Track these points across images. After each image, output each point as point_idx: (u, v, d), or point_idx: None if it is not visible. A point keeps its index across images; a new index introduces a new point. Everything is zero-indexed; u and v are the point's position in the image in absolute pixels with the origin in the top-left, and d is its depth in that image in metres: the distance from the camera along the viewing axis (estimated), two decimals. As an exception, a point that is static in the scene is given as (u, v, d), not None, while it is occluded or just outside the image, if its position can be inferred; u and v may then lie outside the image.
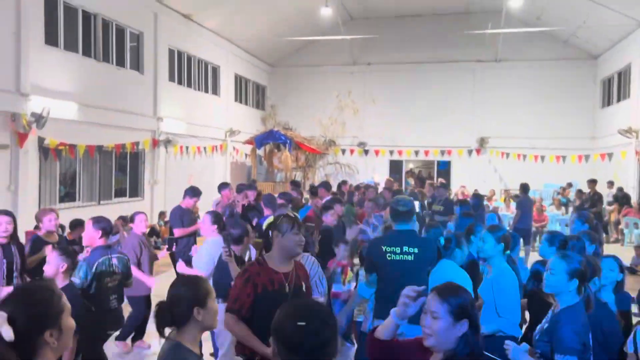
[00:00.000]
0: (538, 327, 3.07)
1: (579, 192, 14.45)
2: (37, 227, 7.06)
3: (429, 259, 4.21)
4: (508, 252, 3.92)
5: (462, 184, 18.56)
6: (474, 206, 8.92)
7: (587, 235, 4.57)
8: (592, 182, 13.89)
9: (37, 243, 5.30)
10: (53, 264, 3.89)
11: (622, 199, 14.49)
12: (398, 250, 4.07)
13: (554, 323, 2.87)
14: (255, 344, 2.99)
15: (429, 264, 4.28)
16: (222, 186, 9.26)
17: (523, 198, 11.49)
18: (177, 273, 6.10)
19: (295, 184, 10.59)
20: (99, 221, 4.79)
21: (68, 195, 11.16)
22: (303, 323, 1.73)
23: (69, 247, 4.53)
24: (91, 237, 4.71)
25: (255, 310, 3.05)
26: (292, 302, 1.93)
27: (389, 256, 4.08)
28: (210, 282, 4.11)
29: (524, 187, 11.68)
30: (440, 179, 18.03)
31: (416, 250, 4.07)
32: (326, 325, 1.76)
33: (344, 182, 13.80)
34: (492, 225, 4.15)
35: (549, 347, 2.82)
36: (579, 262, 2.93)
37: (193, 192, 7.63)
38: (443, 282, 4.00)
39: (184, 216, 7.31)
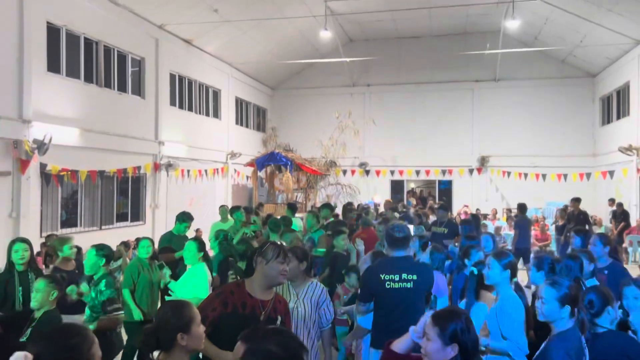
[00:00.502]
0: (536, 354, 3.07)
1: (562, 210, 13.90)
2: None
3: (427, 284, 4.18)
4: (515, 279, 3.87)
5: (464, 203, 18.55)
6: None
7: (585, 254, 4.53)
8: (576, 201, 13.23)
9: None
10: (43, 292, 3.87)
11: (620, 215, 14.31)
12: (397, 277, 3.99)
13: (546, 348, 2.90)
14: (215, 352, 2.95)
15: (427, 289, 4.27)
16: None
17: (521, 218, 11.53)
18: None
19: (291, 207, 10.51)
20: (102, 248, 4.77)
21: (69, 221, 11.13)
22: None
23: (58, 274, 4.53)
24: (95, 264, 4.66)
25: (218, 328, 2.98)
26: (264, 327, 1.94)
27: (388, 284, 3.98)
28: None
29: (522, 207, 11.73)
30: (439, 201, 17.97)
31: (415, 277, 4.01)
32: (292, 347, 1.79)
33: (349, 204, 13.72)
34: (498, 251, 4.09)
35: None
36: (568, 287, 2.95)
37: (182, 218, 7.55)
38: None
39: (172, 241, 7.25)
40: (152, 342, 2.35)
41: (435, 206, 12.95)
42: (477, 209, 18.01)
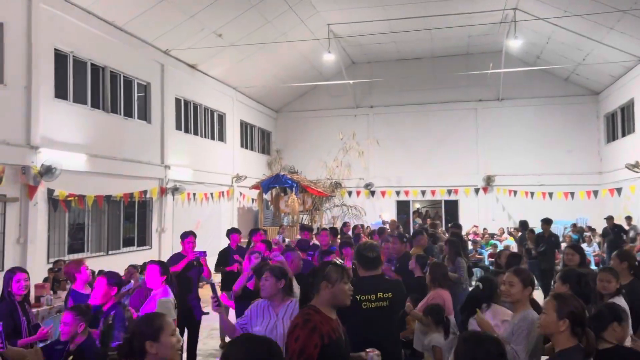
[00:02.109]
0: None
1: (530, 232, 12.57)
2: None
3: (402, 301, 4.19)
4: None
5: (474, 223, 18.46)
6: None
7: (610, 272, 4.47)
8: (610, 219, 14.00)
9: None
10: (72, 325, 3.89)
11: (613, 229, 13.98)
12: (373, 297, 3.90)
13: None
14: None
15: (401, 307, 4.28)
16: (231, 231, 9.21)
17: (523, 235, 11.63)
18: None
19: (305, 228, 10.48)
20: (113, 276, 4.67)
21: (76, 246, 11.09)
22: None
23: (83, 305, 4.42)
24: (106, 294, 4.55)
25: None
26: (240, 336, 2.07)
27: (364, 305, 3.88)
28: None
29: (523, 224, 11.90)
30: (452, 222, 17.87)
31: (390, 295, 3.95)
32: (270, 353, 1.90)
33: (344, 225, 13.68)
34: (517, 268, 4.05)
35: None
36: (573, 304, 2.87)
37: (182, 237, 7.28)
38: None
39: (178, 261, 7.10)
40: (126, 349, 2.55)
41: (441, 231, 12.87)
42: (485, 229, 17.93)
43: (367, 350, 3.01)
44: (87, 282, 5.61)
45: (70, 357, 3.92)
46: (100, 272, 5.35)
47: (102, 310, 4.63)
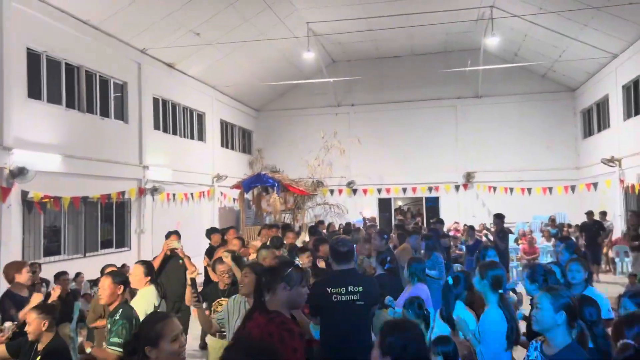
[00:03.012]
0: None
1: (470, 229, 11.91)
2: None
3: (374, 297, 4.21)
4: (500, 290, 3.83)
5: (455, 220, 18.57)
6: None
7: (578, 262, 4.55)
8: (589, 214, 14.26)
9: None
10: (34, 325, 3.86)
11: (592, 225, 14.10)
12: (344, 290, 4.00)
13: None
14: None
15: (373, 303, 4.28)
16: (211, 231, 9.24)
17: (500, 227, 11.81)
18: None
19: (286, 227, 10.49)
20: (118, 275, 4.57)
21: (52, 248, 10.93)
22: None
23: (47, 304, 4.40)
24: (113, 293, 4.40)
25: None
26: (240, 340, 2.01)
27: (334, 297, 3.99)
28: None
29: (499, 216, 11.95)
30: (435, 218, 17.98)
31: (361, 289, 4.02)
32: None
33: (320, 222, 13.74)
34: (485, 262, 4.08)
35: None
36: (568, 297, 2.83)
37: (166, 237, 7.56)
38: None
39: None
40: (128, 350, 2.51)
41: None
42: (465, 225, 18.04)
43: None
44: (26, 286, 5.51)
45: (38, 358, 3.85)
46: (105, 272, 5.24)
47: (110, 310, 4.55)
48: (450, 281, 4.17)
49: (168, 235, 7.57)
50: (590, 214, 14.40)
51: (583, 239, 13.67)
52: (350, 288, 4.00)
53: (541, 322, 2.82)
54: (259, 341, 1.97)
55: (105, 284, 4.37)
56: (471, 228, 11.38)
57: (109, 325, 4.28)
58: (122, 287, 4.44)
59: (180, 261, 7.37)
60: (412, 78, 20.60)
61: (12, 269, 5.53)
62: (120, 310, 4.25)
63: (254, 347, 1.84)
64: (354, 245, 7.79)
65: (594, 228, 13.79)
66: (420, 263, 5.55)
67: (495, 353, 3.55)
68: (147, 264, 5.27)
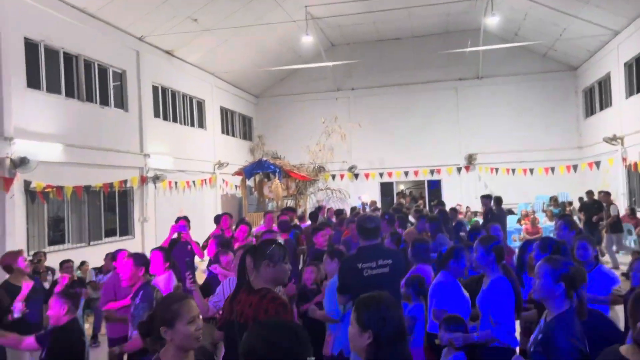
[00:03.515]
0: (532, 338, 2.96)
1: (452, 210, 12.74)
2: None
3: (402, 269, 4.34)
4: (503, 261, 3.87)
5: (457, 202, 18.53)
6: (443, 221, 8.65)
7: (586, 240, 4.56)
8: (589, 193, 14.18)
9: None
10: (54, 309, 3.93)
11: (592, 205, 14.07)
12: (374, 264, 4.12)
13: (547, 332, 2.77)
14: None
15: (401, 275, 4.41)
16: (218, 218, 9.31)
17: (497, 210, 11.88)
18: None
19: (289, 209, 10.56)
20: (140, 257, 4.60)
21: (56, 238, 10.96)
22: (275, 340, 1.69)
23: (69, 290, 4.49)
24: (134, 275, 4.44)
25: None
26: (260, 323, 1.89)
27: (365, 272, 4.10)
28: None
29: (497, 200, 12.15)
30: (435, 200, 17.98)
31: (390, 262, 4.16)
32: (298, 340, 1.74)
33: (320, 208, 13.75)
34: (483, 236, 4.11)
35: (546, 357, 2.71)
36: (567, 267, 2.85)
37: (176, 222, 7.77)
38: (440, 294, 4.00)
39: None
40: (144, 330, 2.47)
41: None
42: (467, 207, 18.05)
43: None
44: (22, 275, 5.53)
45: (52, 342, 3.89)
46: (123, 254, 5.29)
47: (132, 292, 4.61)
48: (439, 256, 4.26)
49: (177, 220, 7.69)
50: (590, 193, 14.36)
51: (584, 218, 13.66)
52: (380, 262, 4.13)
53: (540, 292, 2.86)
54: (274, 320, 1.95)
55: (127, 265, 4.42)
56: (452, 210, 11.26)
57: (132, 309, 4.32)
58: (144, 269, 4.47)
59: (189, 247, 7.47)
60: (413, 60, 20.47)
61: (8, 259, 5.54)
62: (142, 293, 4.27)
63: (278, 326, 1.79)
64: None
65: (594, 207, 13.74)
66: (423, 243, 5.55)
67: (504, 321, 3.57)
68: (164, 250, 5.35)
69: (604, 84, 16.97)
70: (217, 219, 9.68)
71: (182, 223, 7.68)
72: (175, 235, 7.75)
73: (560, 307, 2.80)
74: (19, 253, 5.65)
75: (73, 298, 4.07)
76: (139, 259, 4.51)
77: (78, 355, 3.81)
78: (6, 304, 5.16)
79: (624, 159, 14.91)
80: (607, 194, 14.09)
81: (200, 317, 2.54)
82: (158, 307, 2.51)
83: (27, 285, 5.42)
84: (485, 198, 11.49)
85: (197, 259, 8.88)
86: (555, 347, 2.65)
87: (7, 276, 5.54)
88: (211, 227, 9.87)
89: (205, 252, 7.79)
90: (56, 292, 4.62)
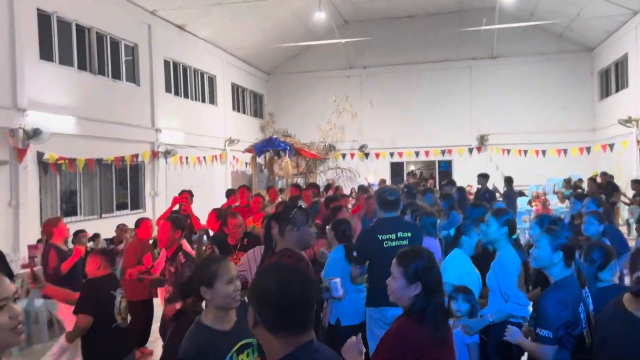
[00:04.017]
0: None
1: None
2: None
3: (420, 240, 4.40)
4: (514, 236, 3.87)
5: (468, 183, 18.44)
6: (459, 200, 8.60)
7: (595, 215, 4.53)
8: (604, 175, 14.07)
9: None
10: (89, 265, 4.20)
11: (607, 187, 14.06)
12: (394, 236, 4.26)
13: (541, 297, 2.90)
14: None
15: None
16: (230, 192, 9.42)
17: (508, 190, 11.86)
18: None
19: (296, 187, 10.57)
20: (177, 220, 4.66)
21: (69, 210, 11.09)
22: (287, 284, 1.70)
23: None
24: (170, 238, 4.50)
25: None
26: (274, 266, 1.92)
27: (385, 244, 4.23)
28: None
29: (508, 180, 12.36)
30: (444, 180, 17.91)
31: (409, 234, 4.29)
32: (309, 287, 1.76)
33: (328, 187, 13.79)
34: (497, 209, 4.10)
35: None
36: (565, 237, 2.96)
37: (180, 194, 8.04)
38: (454, 271, 3.98)
39: None
40: (185, 291, 2.62)
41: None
42: (478, 188, 17.93)
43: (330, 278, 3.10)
44: (64, 239, 5.74)
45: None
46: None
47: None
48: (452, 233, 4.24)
49: (181, 193, 7.78)
50: (604, 175, 14.25)
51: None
52: (399, 234, 4.26)
53: (539, 260, 2.97)
54: (288, 265, 1.98)
55: (165, 228, 4.49)
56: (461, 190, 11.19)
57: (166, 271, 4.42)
58: (180, 232, 4.55)
59: (188, 220, 7.50)
60: (426, 39, 20.21)
61: (50, 225, 5.86)
62: (180, 254, 4.35)
63: (289, 270, 1.80)
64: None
65: (608, 189, 13.65)
66: (430, 217, 5.54)
67: (514, 292, 3.59)
68: (217, 209, 5.85)
69: (621, 65, 16.68)
70: (229, 193, 9.76)
71: (186, 195, 7.77)
72: (176, 207, 7.84)
73: (560, 275, 2.91)
74: (59, 219, 6.01)
75: (105, 255, 4.26)
76: (176, 222, 4.59)
77: (105, 308, 3.92)
78: (55, 264, 5.50)
79: (639, 142, 14.72)
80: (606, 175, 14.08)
81: (238, 278, 2.57)
82: (197, 268, 2.56)
83: (78, 250, 5.75)
84: (482, 177, 11.40)
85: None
86: (543, 312, 2.77)
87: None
88: (221, 203, 9.94)
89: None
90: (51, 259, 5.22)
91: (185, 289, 2.61)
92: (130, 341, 3.98)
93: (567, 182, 16.91)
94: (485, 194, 11.13)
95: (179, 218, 4.77)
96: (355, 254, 4.39)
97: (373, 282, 4.30)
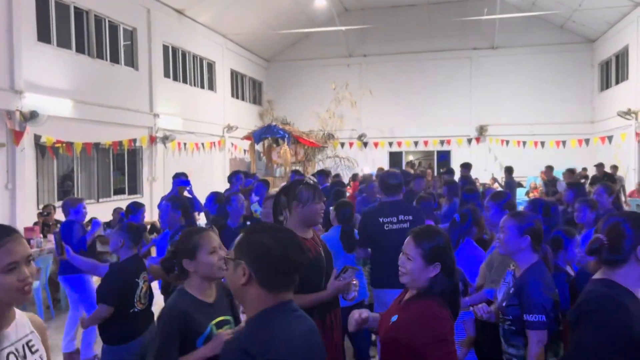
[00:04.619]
0: (500, 294, 2.97)
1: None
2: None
3: (421, 224, 4.30)
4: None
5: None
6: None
7: (585, 202, 4.54)
8: (599, 166, 13.97)
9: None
10: (112, 243, 3.96)
11: (604, 178, 14.03)
12: (395, 219, 4.35)
13: (520, 285, 2.79)
14: (311, 298, 2.84)
15: None
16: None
17: (508, 179, 11.95)
18: None
19: (296, 172, 10.59)
20: (176, 201, 4.70)
21: (66, 193, 11.06)
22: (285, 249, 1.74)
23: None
24: (172, 218, 4.61)
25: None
26: (269, 227, 1.89)
27: (386, 226, 4.34)
28: None
29: (509, 170, 12.55)
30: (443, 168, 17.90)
31: (411, 218, 4.37)
32: (302, 247, 1.83)
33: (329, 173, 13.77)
34: (495, 192, 4.07)
35: (520, 309, 2.74)
36: (532, 221, 2.87)
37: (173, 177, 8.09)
38: (466, 261, 3.93)
39: None
40: (166, 265, 2.58)
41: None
42: (476, 178, 17.95)
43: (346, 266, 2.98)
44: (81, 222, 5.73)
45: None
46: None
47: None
48: (458, 218, 4.16)
49: (176, 176, 7.77)
50: (600, 166, 14.20)
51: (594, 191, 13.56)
52: (400, 217, 4.36)
53: (506, 246, 2.88)
54: (284, 228, 1.97)
55: (166, 209, 4.66)
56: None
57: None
58: (180, 212, 4.67)
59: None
60: (427, 28, 20.10)
61: (69, 204, 5.96)
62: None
63: (287, 232, 1.83)
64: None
65: (604, 180, 13.63)
66: (428, 201, 5.59)
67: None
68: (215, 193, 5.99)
69: (621, 57, 16.62)
70: (230, 178, 9.69)
71: (183, 179, 7.74)
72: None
73: (529, 260, 2.83)
74: (79, 200, 6.19)
75: (130, 232, 3.94)
76: (176, 202, 4.63)
77: (126, 296, 3.70)
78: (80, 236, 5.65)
79: (637, 134, 14.71)
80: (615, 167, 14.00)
81: (222, 248, 2.56)
82: (179, 241, 2.57)
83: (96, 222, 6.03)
84: (464, 167, 11.33)
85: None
86: (527, 297, 2.70)
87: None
88: (220, 189, 9.90)
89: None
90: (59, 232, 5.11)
91: (168, 263, 2.58)
92: (146, 320, 3.85)
93: (571, 171, 16.86)
94: (604, 178, 11.53)
95: (179, 198, 4.80)
96: (358, 237, 4.54)
97: (375, 262, 4.42)
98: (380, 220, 4.36)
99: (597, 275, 2.17)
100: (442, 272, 2.28)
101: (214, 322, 2.43)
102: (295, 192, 3.06)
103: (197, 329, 2.36)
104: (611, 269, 2.10)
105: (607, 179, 13.42)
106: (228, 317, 2.51)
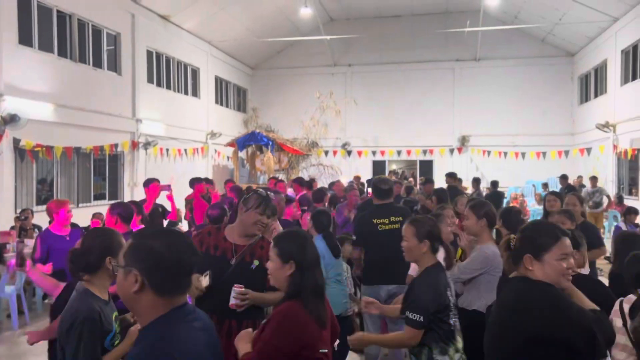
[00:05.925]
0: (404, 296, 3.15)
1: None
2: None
3: None
4: (495, 227, 3.86)
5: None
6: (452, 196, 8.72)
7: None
8: (563, 178, 14.15)
9: None
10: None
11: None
12: (387, 221, 4.75)
13: (411, 285, 3.00)
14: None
15: None
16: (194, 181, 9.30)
17: (493, 192, 12.22)
18: None
19: (275, 179, 10.57)
20: (116, 207, 4.64)
21: (45, 198, 10.92)
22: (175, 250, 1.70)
23: None
24: (109, 224, 4.57)
25: None
26: (157, 231, 1.83)
27: (380, 227, 4.74)
28: None
29: (494, 184, 13.01)
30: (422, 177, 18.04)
31: (401, 218, 4.67)
32: (193, 248, 1.77)
33: (312, 181, 13.78)
34: (474, 202, 4.09)
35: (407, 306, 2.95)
36: (428, 225, 3.00)
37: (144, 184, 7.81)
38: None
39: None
40: (81, 263, 2.51)
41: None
42: (465, 187, 18.10)
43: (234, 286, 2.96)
44: (64, 225, 5.50)
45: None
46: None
47: None
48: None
49: (148, 184, 7.46)
50: (563, 177, 14.22)
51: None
52: (392, 218, 4.76)
53: (409, 253, 3.02)
54: (172, 230, 2.00)
55: (106, 216, 4.70)
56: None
57: None
58: (117, 219, 4.63)
59: (160, 208, 7.47)
60: (411, 39, 20.32)
61: (52, 206, 5.45)
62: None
63: (170, 231, 1.84)
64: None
65: (565, 192, 13.50)
66: (410, 205, 5.72)
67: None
68: (134, 202, 5.63)
69: (600, 71, 16.97)
70: (192, 183, 9.57)
71: (155, 185, 7.38)
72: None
73: (427, 263, 2.97)
74: (63, 202, 5.54)
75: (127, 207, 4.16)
76: (114, 209, 4.62)
77: None
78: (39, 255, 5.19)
79: (615, 146, 14.99)
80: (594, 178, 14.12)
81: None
82: (97, 240, 2.60)
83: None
84: (449, 176, 11.49)
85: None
86: (413, 297, 2.86)
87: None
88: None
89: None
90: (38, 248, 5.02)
91: (80, 264, 2.52)
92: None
93: (545, 185, 17.09)
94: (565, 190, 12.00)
95: (120, 204, 4.77)
96: (354, 237, 5.05)
97: (368, 260, 4.83)
98: (374, 221, 4.77)
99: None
100: (297, 270, 2.33)
101: (113, 317, 2.51)
102: (246, 198, 3.17)
103: (107, 328, 2.42)
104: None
105: (568, 191, 13.44)
106: (116, 311, 2.59)
